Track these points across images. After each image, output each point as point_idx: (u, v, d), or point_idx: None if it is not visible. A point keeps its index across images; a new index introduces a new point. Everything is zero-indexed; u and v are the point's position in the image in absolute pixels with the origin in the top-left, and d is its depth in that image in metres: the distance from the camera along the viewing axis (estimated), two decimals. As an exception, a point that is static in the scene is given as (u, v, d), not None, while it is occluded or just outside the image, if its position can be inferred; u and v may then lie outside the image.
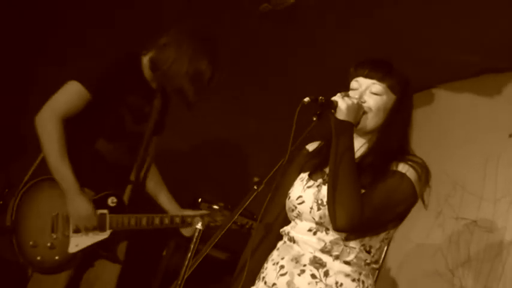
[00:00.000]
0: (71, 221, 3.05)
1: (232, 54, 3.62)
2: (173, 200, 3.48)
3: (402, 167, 2.24)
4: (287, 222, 2.39)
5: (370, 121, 2.28)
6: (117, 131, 3.18)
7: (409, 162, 2.25)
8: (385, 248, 2.36)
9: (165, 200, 3.46)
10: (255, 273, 2.37)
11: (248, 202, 2.15)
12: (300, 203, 2.31)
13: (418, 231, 4.05)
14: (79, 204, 3.02)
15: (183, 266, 2.07)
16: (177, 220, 3.33)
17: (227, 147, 4.50)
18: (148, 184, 3.47)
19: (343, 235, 2.22)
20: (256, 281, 2.36)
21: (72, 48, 4.19)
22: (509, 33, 3.51)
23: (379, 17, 3.67)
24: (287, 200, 2.37)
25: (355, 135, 2.24)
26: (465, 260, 3.78)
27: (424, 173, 2.25)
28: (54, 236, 3.04)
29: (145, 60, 3.21)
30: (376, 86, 2.29)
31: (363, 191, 2.19)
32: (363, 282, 2.25)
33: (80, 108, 3.04)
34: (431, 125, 4.26)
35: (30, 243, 3.01)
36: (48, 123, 2.98)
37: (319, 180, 2.32)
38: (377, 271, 2.33)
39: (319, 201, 2.26)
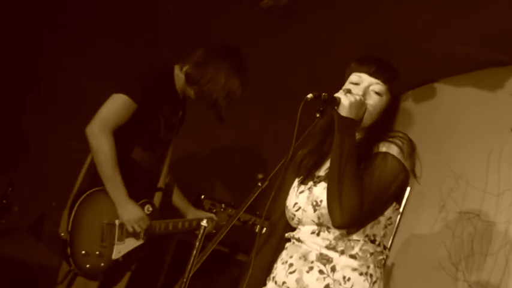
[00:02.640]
0: (127, 226, 3.20)
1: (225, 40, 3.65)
2: (188, 203, 3.64)
3: (383, 146, 2.27)
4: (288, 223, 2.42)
5: (366, 119, 2.31)
6: (153, 140, 3.34)
7: (389, 139, 2.28)
8: (391, 236, 2.37)
9: (180, 202, 3.62)
10: (260, 269, 2.38)
11: (252, 199, 2.15)
12: (296, 210, 2.34)
13: (422, 224, 4.06)
14: (132, 210, 3.19)
15: (189, 263, 2.07)
16: (194, 223, 3.50)
17: (230, 144, 4.51)
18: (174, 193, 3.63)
19: (345, 230, 2.23)
20: (268, 282, 2.39)
21: (72, 44, 4.19)
22: (511, 26, 3.50)
23: (381, 12, 3.67)
24: (286, 210, 2.41)
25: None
26: (468, 253, 3.78)
27: (406, 145, 2.27)
28: (103, 245, 3.18)
29: (178, 72, 3.36)
30: (379, 86, 2.31)
31: None
32: (371, 275, 2.25)
33: (127, 119, 3.19)
34: (434, 119, 4.27)
35: (83, 252, 3.14)
36: (100, 135, 3.12)
37: (310, 183, 2.35)
38: (384, 261, 2.33)
39: (314, 203, 2.29)
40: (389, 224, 2.30)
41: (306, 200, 2.31)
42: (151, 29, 4.19)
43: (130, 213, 3.18)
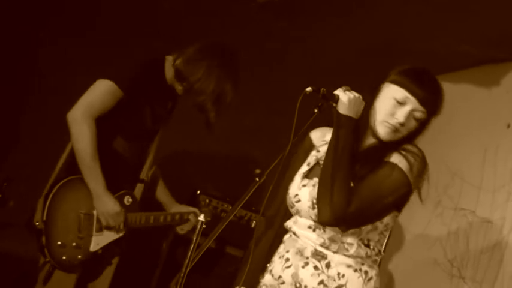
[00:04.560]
0: (101, 219, 3.10)
1: (232, 46, 3.63)
2: (171, 196, 3.54)
3: (395, 158, 2.24)
4: (289, 215, 2.40)
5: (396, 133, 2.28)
6: (137, 130, 3.24)
7: (403, 152, 2.25)
8: (385, 240, 2.36)
9: (164, 196, 3.52)
10: (258, 263, 2.38)
11: (250, 194, 2.15)
12: (297, 201, 2.33)
13: (417, 221, 4.06)
14: (107, 203, 3.08)
15: (186, 259, 2.07)
16: (177, 217, 3.42)
17: (228, 140, 4.50)
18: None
19: (340, 232, 2.22)
20: (265, 274, 2.38)
21: (71, 39, 4.19)
22: (508, 23, 3.50)
23: (379, 9, 3.66)
24: (287, 195, 2.39)
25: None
26: (464, 250, 3.79)
27: (418, 162, 2.23)
28: (80, 236, 3.09)
29: (169, 64, 3.24)
30: (422, 114, 2.26)
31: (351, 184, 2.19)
32: (366, 272, 2.26)
33: (111, 107, 3.07)
34: (430, 115, 4.26)
35: (58, 243, 3.04)
36: (82, 122, 3.00)
37: (315, 179, 2.32)
38: (379, 261, 2.33)
39: (314, 200, 2.27)
40: (385, 230, 2.30)
41: (308, 195, 2.30)
42: (147, 26, 4.18)
43: (105, 206, 3.07)
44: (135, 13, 4.13)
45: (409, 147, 2.27)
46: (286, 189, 2.39)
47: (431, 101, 2.27)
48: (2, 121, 4.13)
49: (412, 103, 2.24)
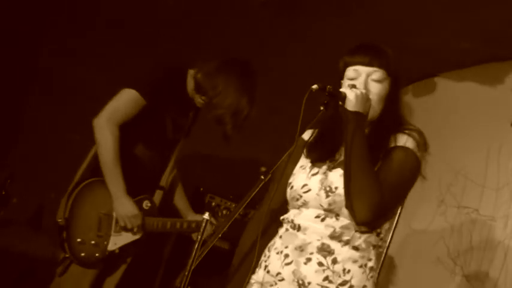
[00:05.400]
0: (119, 220, 3.22)
1: (232, 44, 3.63)
2: (189, 205, 3.64)
3: (401, 139, 2.25)
4: (284, 209, 2.38)
5: (374, 109, 2.28)
6: (159, 139, 3.35)
7: (406, 131, 2.26)
8: (391, 230, 2.37)
9: (182, 205, 3.62)
10: (251, 259, 2.35)
11: (255, 192, 2.14)
12: (305, 192, 2.29)
13: (420, 219, 4.06)
14: (126, 205, 3.19)
15: (190, 257, 2.07)
16: (193, 225, 3.50)
17: (233, 137, 4.49)
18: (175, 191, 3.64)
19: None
20: (257, 269, 2.34)
21: (73, 38, 4.18)
22: (511, 21, 3.50)
23: (381, 5, 3.66)
24: (289, 189, 2.35)
25: None
26: (467, 248, 3.79)
27: (422, 138, 2.26)
28: (100, 235, 3.19)
29: (191, 77, 3.34)
30: (377, 73, 2.28)
31: None
32: (371, 268, 2.25)
33: (134, 115, 3.19)
34: (433, 113, 4.26)
35: (78, 240, 3.14)
36: (106, 128, 3.13)
37: (324, 167, 2.30)
38: (383, 255, 2.34)
39: (327, 188, 2.24)
40: (392, 217, 2.30)
41: (318, 184, 2.27)
42: (150, 23, 4.18)
43: (124, 208, 3.19)
44: (137, 12, 4.12)
45: (408, 125, 2.29)
46: (285, 184, 2.37)
47: (375, 57, 2.29)
48: (5, 119, 4.13)
49: (362, 71, 2.29)
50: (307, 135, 2.46)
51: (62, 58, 4.23)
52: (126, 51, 4.22)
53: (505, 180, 3.75)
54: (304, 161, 2.40)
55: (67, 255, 3.15)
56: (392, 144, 2.25)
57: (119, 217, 3.21)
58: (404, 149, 2.23)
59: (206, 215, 2.11)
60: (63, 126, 4.23)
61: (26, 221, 3.76)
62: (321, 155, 2.35)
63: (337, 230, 2.22)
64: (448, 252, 3.87)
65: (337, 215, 2.23)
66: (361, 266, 2.23)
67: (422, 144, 2.26)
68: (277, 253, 2.30)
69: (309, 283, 2.21)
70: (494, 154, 3.85)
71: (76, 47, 4.24)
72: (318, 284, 2.20)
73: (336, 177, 2.25)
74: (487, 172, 3.85)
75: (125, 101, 3.18)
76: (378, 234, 2.25)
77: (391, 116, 2.31)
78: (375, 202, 2.13)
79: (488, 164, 3.87)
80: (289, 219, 2.32)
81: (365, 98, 2.21)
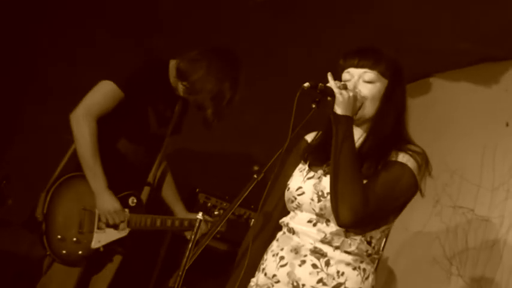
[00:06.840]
0: (100, 217, 3.16)
1: (228, 45, 3.63)
2: (181, 202, 3.58)
3: (402, 157, 2.23)
4: (286, 212, 2.38)
5: (368, 110, 2.28)
6: (141, 133, 3.29)
7: (409, 152, 2.24)
8: (385, 239, 2.36)
9: (174, 202, 3.56)
10: (254, 262, 2.36)
11: (248, 191, 2.14)
12: (299, 194, 2.30)
13: (416, 219, 4.06)
14: (108, 201, 3.13)
15: (184, 257, 2.07)
16: (186, 223, 3.45)
17: (226, 137, 4.50)
18: (163, 186, 3.58)
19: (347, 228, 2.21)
20: (256, 273, 2.35)
21: (70, 38, 4.18)
22: (507, 21, 3.50)
23: (377, 7, 3.66)
24: (286, 190, 2.36)
25: (354, 126, 2.23)
26: (463, 248, 3.79)
27: (424, 162, 2.24)
28: (81, 231, 3.14)
29: (173, 67, 3.30)
30: (368, 74, 2.27)
31: (364, 181, 2.18)
32: (364, 270, 2.25)
33: (112, 107, 3.15)
34: (429, 113, 4.27)
35: (58, 236, 3.09)
36: (83, 121, 3.08)
37: (320, 172, 2.30)
38: (377, 260, 2.33)
39: (320, 193, 2.25)
40: (386, 229, 2.30)
41: (312, 188, 2.27)
42: (149, 25, 4.18)
43: (105, 203, 3.13)
44: (137, 12, 4.12)
45: (413, 146, 2.27)
46: (285, 185, 2.37)
47: (367, 58, 2.28)
48: (1, 120, 4.13)
49: (355, 73, 2.29)
50: (310, 137, 2.46)
51: (59, 59, 4.23)
52: (126, 52, 4.22)
53: (500, 180, 3.76)
54: (303, 164, 2.40)
55: (48, 253, 3.10)
56: (393, 159, 2.24)
57: (101, 213, 3.14)
58: (402, 165, 2.22)
59: (199, 215, 2.11)
60: (59, 127, 4.22)
61: (21, 223, 3.74)
62: (316, 159, 2.35)
63: (328, 235, 2.22)
64: (443, 252, 3.88)
65: (327, 221, 2.23)
66: (355, 269, 2.23)
67: (424, 168, 2.24)
68: (273, 255, 2.30)
69: (304, 285, 2.22)
70: (489, 154, 3.86)
71: (74, 47, 4.24)
72: (312, 286, 2.21)
73: (328, 182, 2.24)
74: (483, 172, 3.85)
75: (102, 93, 3.13)
76: (369, 243, 2.25)
77: (389, 120, 2.29)
78: (356, 205, 2.12)
79: (483, 164, 3.87)
80: (285, 223, 2.34)
81: (353, 101, 2.20)
